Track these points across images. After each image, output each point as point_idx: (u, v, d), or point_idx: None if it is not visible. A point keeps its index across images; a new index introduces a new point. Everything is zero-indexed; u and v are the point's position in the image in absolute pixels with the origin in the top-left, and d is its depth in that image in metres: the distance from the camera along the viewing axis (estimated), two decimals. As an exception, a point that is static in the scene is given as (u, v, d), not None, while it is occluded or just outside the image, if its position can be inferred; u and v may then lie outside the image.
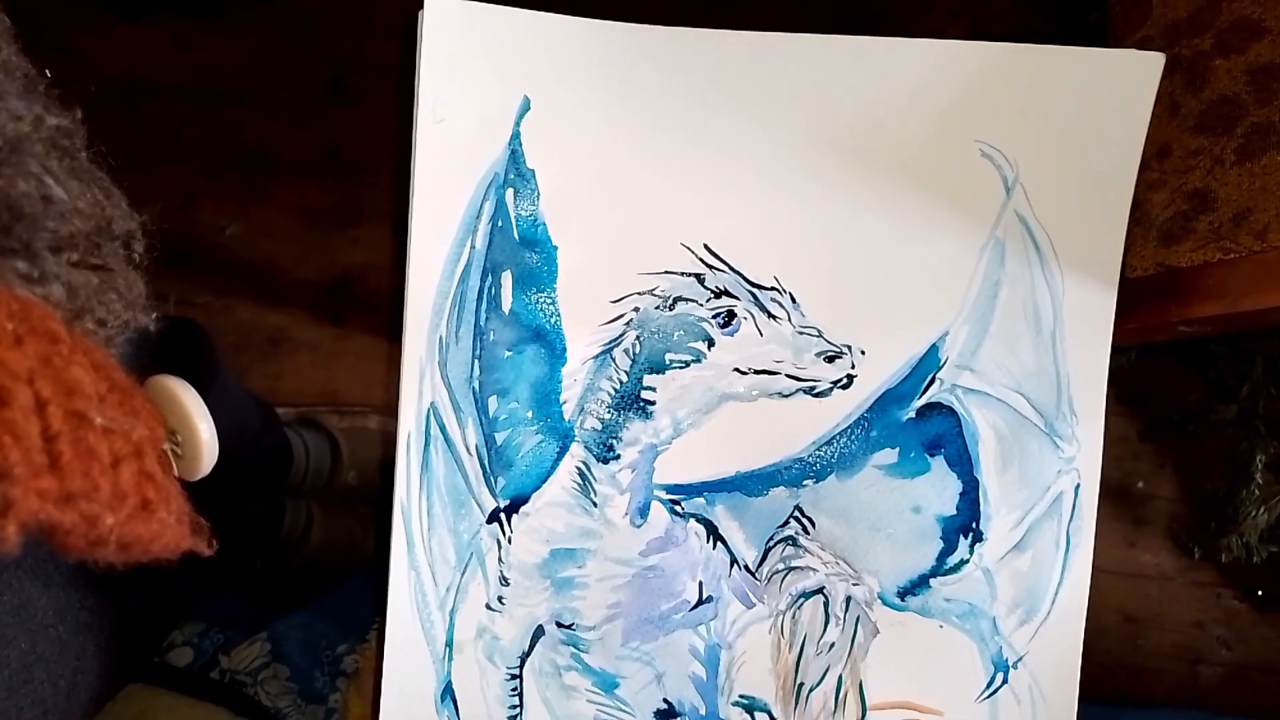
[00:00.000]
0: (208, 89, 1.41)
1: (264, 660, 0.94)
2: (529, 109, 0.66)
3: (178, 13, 1.40)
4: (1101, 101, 0.68)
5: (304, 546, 1.16)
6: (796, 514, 0.70)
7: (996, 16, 1.21)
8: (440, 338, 0.67)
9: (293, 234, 1.40)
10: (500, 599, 0.69)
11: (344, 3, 1.44)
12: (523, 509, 0.69)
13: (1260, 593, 1.44)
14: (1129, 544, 1.46)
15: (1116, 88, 0.68)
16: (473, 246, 0.67)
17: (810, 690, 0.71)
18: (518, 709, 0.70)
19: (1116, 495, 1.46)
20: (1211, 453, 1.41)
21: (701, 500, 0.70)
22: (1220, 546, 1.33)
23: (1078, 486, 0.70)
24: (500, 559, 0.69)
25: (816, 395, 0.69)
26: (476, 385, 0.67)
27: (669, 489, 0.70)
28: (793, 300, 0.69)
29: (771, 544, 0.71)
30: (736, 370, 0.69)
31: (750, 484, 0.70)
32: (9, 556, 0.28)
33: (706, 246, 0.68)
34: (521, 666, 0.70)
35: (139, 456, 0.36)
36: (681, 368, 0.69)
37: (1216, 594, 1.46)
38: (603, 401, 0.69)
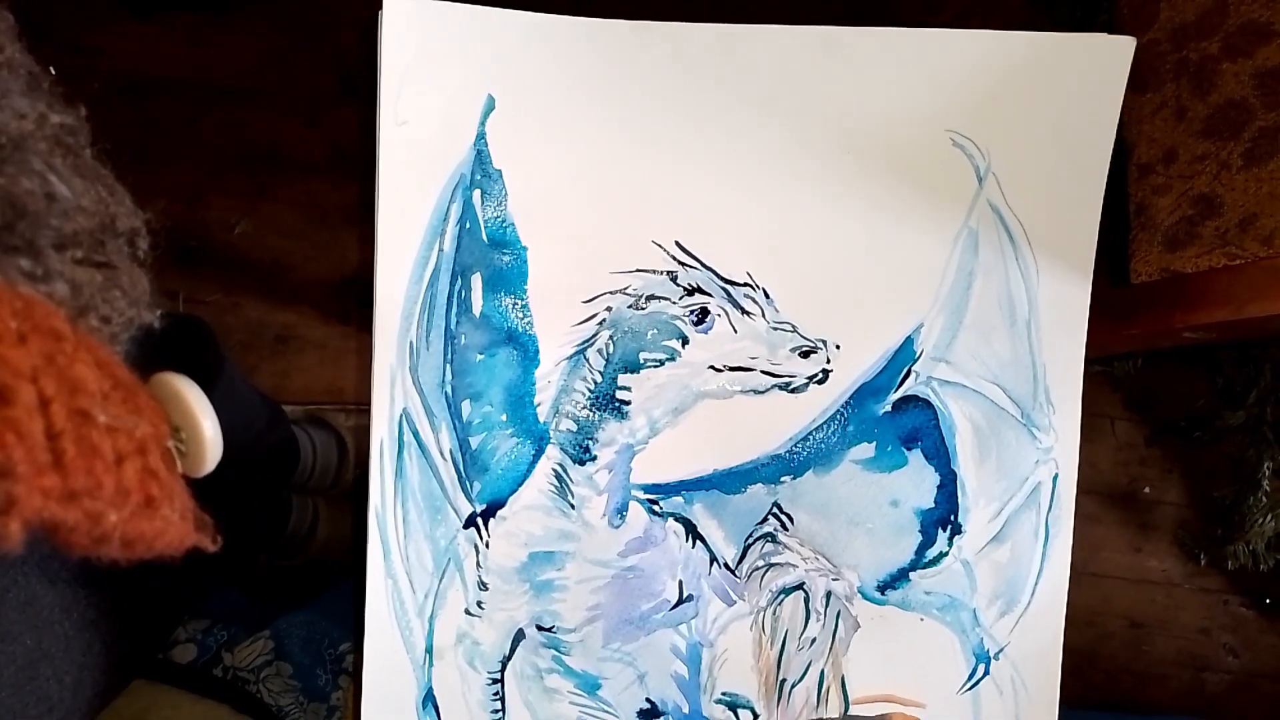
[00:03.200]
0: (218, 87, 1.41)
1: (267, 658, 0.95)
2: (494, 108, 0.66)
3: (189, 10, 1.41)
4: (1073, 87, 0.67)
5: (309, 543, 1.18)
6: (775, 510, 0.70)
7: (1005, 19, 1.19)
8: (411, 343, 0.66)
9: (301, 232, 1.40)
10: (479, 604, 0.69)
11: (354, 2, 1.44)
12: (500, 513, 0.68)
13: (1268, 600, 1.44)
14: (1135, 550, 1.45)
15: (1088, 73, 0.67)
16: (441, 250, 0.66)
17: (793, 686, 0.71)
18: (500, 713, 0.69)
19: (1123, 501, 1.45)
20: (1218, 459, 1.40)
21: (680, 499, 0.70)
22: (1227, 553, 1.33)
23: (1055, 477, 0.70)
24: (478, 564, 0.68)
25: (792, 391, 0.69)
26: (449, 390, 0.67)
27: (647, 489, 0.69)
28: (766, 296, 0.68)
29: (750, 541, 0.70)
30: (711, 368, 0.68)
31: (728, 482, 0.70)
32: (12, 554, 0.28)
33: (678, 243, 0.68)
34: (503, 671, 0.69)
35: (142, 454, 0.36)
36: (656, 366, 0.68)
37: (1224, 600, 1.45)
38: (577, 403, 0.68)
